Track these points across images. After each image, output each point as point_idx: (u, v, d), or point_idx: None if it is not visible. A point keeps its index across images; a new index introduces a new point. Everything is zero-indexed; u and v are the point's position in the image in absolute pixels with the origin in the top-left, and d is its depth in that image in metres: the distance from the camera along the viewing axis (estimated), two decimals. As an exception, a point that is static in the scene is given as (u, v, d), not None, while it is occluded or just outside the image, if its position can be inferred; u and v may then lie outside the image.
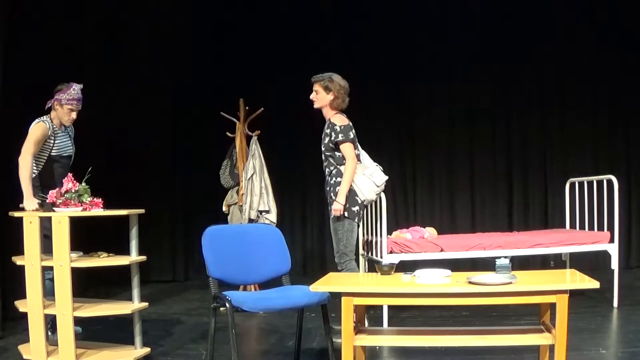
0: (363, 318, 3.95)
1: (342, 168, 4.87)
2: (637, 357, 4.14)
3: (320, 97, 4.97)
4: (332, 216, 4.87)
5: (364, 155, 5.05)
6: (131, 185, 7.59)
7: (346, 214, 4.82)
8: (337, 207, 4.79)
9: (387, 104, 8.28)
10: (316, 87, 4.98)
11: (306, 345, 4.60)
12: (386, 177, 5.02)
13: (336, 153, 4.89)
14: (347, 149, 4.83)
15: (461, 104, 8.35)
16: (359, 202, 4.86)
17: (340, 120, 4.90)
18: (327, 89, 4.93)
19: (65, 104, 4.67)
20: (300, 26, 8.28)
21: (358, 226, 4.98)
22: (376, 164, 5.05)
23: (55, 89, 4.72)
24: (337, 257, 4.88)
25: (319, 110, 5.07)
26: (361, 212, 4.94)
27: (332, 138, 4.86)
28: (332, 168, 4.92)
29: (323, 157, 4.98)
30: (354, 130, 4.92)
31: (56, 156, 4.73)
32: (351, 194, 4.83)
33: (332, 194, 4.90)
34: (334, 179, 4.90)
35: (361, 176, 4.88)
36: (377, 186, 4.93)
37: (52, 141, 4.68)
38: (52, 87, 4.74)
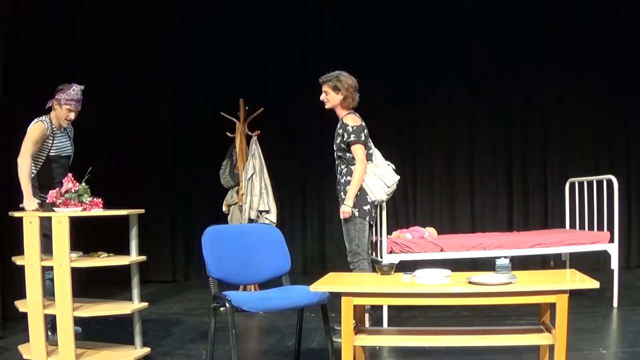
0: (363, 318, 3.95)
1: (352, 168, 4.86)
2: (637, 357, 4.14)
3: (331, 98, 4.94)
4: (342, 217, 4.89)
5: (377, 154, 5.03)
6: (131, 185, 7.59)
7: (357, 214, 4.82)
8: (345, 209, 4.82)
9: (387, 103, 8.27)
10: (325, 88, 4.95)
11: (306, 345, 4.59)
12: (397, 177, 5.01)
13: (347, 154, 4.89)
14: (357, 150, 4.83)
15: (461, 104, 8.36)
16: (370, 201, 4.87)
17: (352, 120, 4.88)
18: (336, 89, 4.90)
19: (64, 104, 4.66)
20: (300, 26, 8.28)
21: (370, 226, 4.97)
22: (388, 162, 5.04)
23: (56, 88, 4.71)
24: (350, 256, 4.88)
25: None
26: (373, 211, 4.93)
27: (345, 138, 4.86)
28: (343, 167, 4.93)
29: (335, 156, 4.99)
30: (366, 131, 4.91)
31: (55, 156, 4.72)
32: (362, 193, 4.85)
33: (342, 194, 4.92)
34: (344, 177, 4.91)
35: (372, 176, 4.87)
36: (388, 186, 4.93)
37: (50, 141, 4.67)
38: (52, 87, 4.73)
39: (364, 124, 4.92)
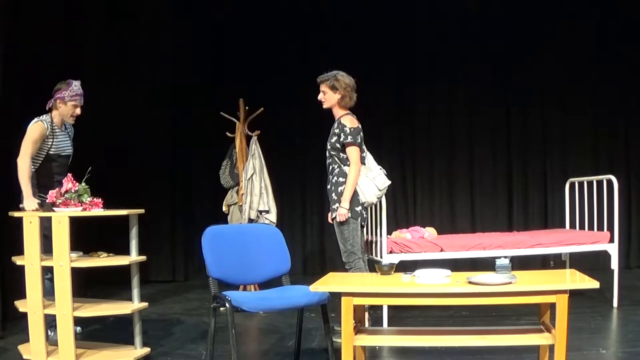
0: (363, 318, 3.95)
1: (345, 169, 4.86)
2: (637, 357, 4.14)
3: (328, 97, 4.94)
4: (335, 218, 4.87)
5: (369, 158, 5.04)
6: (131, 185, 7.59)
7: (350, 215, 4.82)
8: (342, 212, 4.79)
9: (387, 103, 8.28)
10: (323, 87, 4.95)
11: (306, 345, 4.59)
12: (389, 182, 5.01)
13: (341, 154, 4.89)
14: (353, 152, 4.83)
15: (461, 104, 8.35)
16: (361, 202, 4.87)
17: (350, 122, 4.88)
18: (333, 88, 4.90)
19: (70, 101, 4.67)
20: (300, 26, 8.28)
21: (362, 226, 4.97)
22: (380, 167, 5.05)
23: (54, 88, 4.71)
24: (345, 257, 4.87)
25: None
26: (364, 212, 4.93)
27: (341, 139, 4.85)
28: (335, 166, 4.91)
29: (327, 154, 4.97)
30: (362, 134, 4.91)
31: (54, 155, 4.70)
32: (354, 195, 4.84)
33: (333, 194, 4.90)
34: (335, 178, 4.89)
35: (364, 178, 4.88)
36: (379, 190, 4.93)
37: (50, 140, 4.66)
38: (52, 86, 4.73)
39: (360, 126, 4.92)
